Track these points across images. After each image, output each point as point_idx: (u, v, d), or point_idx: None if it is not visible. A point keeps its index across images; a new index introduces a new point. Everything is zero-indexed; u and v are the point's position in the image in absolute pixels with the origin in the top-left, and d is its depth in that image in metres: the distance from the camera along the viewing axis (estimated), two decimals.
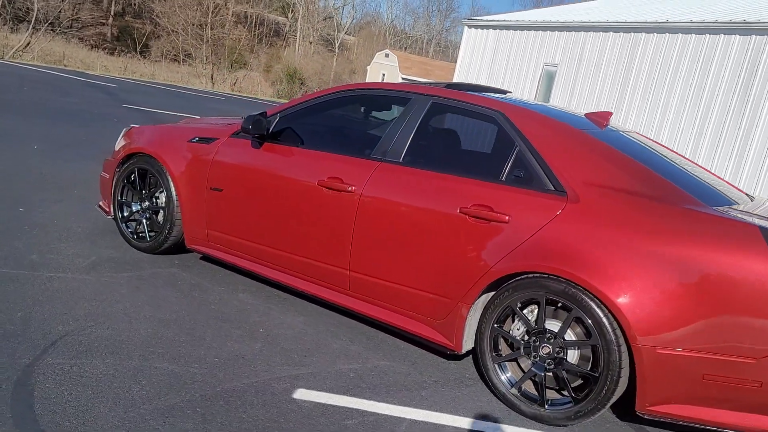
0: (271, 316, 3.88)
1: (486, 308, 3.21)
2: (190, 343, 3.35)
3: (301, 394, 3.01)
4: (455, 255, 3.28)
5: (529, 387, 3.18)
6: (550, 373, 3.10)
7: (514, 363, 3.24)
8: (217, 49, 46.51)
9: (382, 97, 3.99)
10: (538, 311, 3.11)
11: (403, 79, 35.10)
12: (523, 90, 15.58)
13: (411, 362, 3.55)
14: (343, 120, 4.51)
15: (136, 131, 4.83)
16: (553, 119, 3.40)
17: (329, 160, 3.79)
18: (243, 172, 4.09)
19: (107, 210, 4.92)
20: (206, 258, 4.78)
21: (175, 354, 3.20)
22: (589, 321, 2.90)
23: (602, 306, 2.86)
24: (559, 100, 14.31)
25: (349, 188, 3.62)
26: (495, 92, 4.08)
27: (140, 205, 4.72)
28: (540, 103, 3.77)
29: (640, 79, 12.17)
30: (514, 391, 3.15)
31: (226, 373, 3.10)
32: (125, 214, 4.81)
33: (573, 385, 3.06)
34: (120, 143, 4.87)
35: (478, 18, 16.82)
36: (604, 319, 2.85)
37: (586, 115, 3.80)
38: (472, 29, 16.88)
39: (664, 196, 2.99)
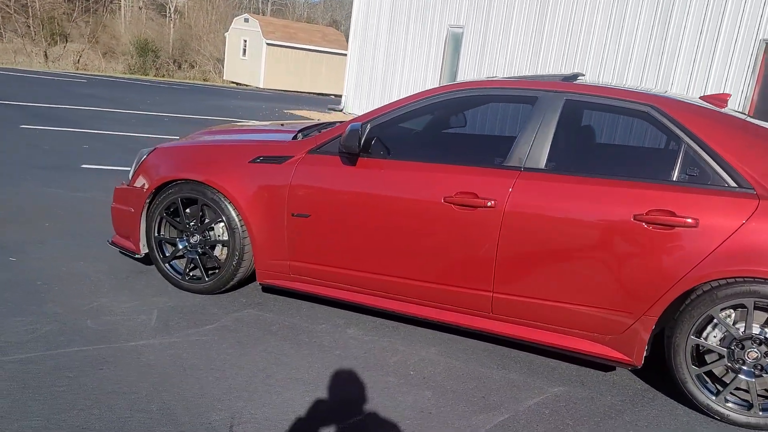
0: (404, 353, 3.49)
1: (679, 319, 3.05)
2: (368, 409, 2.89)
3: None
4: (632, 267, 3.08)
5: (728, 395, 3.08)
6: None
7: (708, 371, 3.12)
8: (31, 21, 41.63)
9: (500, 96, 3.61)
10: (738, 316, 3.00)
11: (268, 44, 33.66)
12: (428, 55, 15.48)
13: (581, 383, 3.33)
14: (448, 125, 4.08)
15: (164, 153, 4.10)
16: (710, 110, 3.25)
17: (451, 173, 3.40)
18: (339, 194, 3.59)
19: (134, 248, 4.18)
20: (268, 289, 4.22)
21: (364, 427, 2.75)
22: None
23: None
24: (468, 63, 14.36)
25: (489, 203, 3.28)
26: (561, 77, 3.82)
27: (187, 240, 4.04)
28: (670, 92, 3.60)
29: (555, 32, 12.43)
30: (719, 401, 3.03)
31: None
32: (167, 253, 4.10)
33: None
34: (142, 170, 4.11)
35: None
36: None
37: (701, 98, 3.69)
38: None
39: None
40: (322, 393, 2.98)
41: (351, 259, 3.63)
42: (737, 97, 10.13)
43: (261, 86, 34.05)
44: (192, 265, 4.05)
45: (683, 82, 10.81)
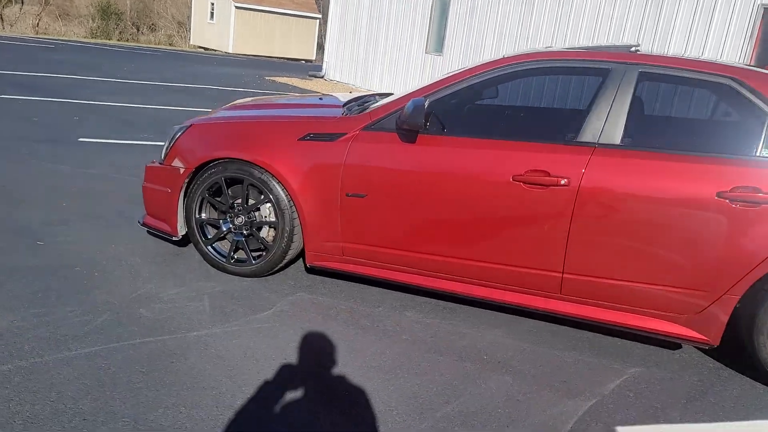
0: (471, 336, 3.41)
1: (764, 298, 3.01)
2: (455, 397, 2.82)
3: None
4: (715, 246, 3.03)
5: None
6: None
7: None
8: None
9: (566, 69, 3.47)
10: None
11: (237, 8, 32.67)
12: (414, 20, 15.19)
13: (654, 363, 3.32)
14: (510, 100, 3.94)
15: (202, 131, 3.89)
16: None
17: (519, 150, 3.28)
18: (398, 173, 3.44)
19: (170, 230, 3.99)
20: (311, 270, 4.08)
21: (463, 417, 2.67)
22: None
23: None
24: (456, 28, 14.12)
25: (562, 181, 3.18)
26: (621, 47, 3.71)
27: (231, 222, 3.86)
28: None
29: None
30: None
31: (532, 426, 2.65)
32: (209, 235, 3.93)
33: None
34: (178, 148, 3.90)
35: None
36: None
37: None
38: None
39: None
40: (406, 382, 2.88)
41: (411, 241, 3.51)
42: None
43: (230, 51, 33.15)
44: (235, 247, 3.89)
45: (680, 47, 10.79)
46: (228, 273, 3.90)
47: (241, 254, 3.93)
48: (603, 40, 11.60)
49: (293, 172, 3.61)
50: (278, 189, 3.66)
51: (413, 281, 3.59)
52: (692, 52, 10.64)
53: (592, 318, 3.33)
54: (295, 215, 3.69)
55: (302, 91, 15.62)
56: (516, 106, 3.94)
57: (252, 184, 3.72)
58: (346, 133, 3.58)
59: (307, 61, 35.30)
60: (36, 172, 5.62)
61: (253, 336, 3.16)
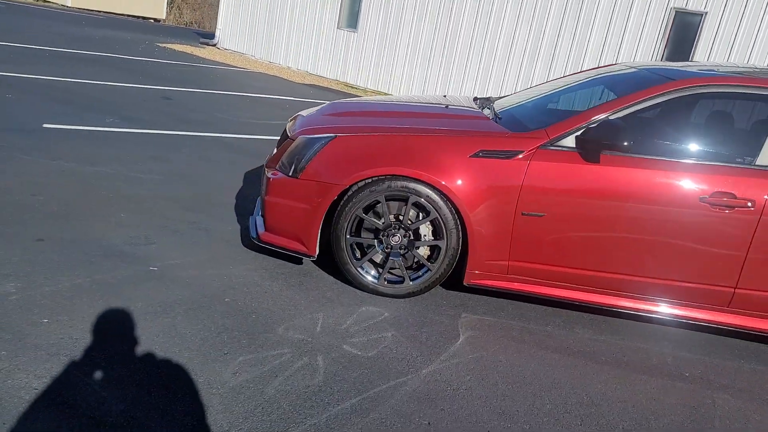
0: (654, 353, 3.55)
1: None
2: (707, 425, 2.94)
3: None
4: None
5: None
6: None
7: None
8: None
9: (750, 95, 3.59)
10: None
11: None
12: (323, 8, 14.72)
13: None
14: (685, 120, 4.00)
15: (353, 144, 3.61)
16: None
17: (705, 172, 3.44)
18: (581, 193, 3.45)
19: (304, 249, 3.68)
20: (450, 287, 3.96)
21: None
22: None
23: None
24: (372, 4, 13.95)
25: (748, 204, 3.39)
26: None
27: (386, 241, 3.64)
28: None
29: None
30: None
31: None
32: (358, 256, 3.67)
33: None
34: (322, 162, 3.58)
35: None
36: None
37: None
38: None
39: None
40: (654, 411, 2.95)
41: (589, 259, 3.54)
42: (649, 62, 11.11)
43: (68, 5, 29.75)
44: (385, 267, 3.67)
45: (597, 47, 11.59)
46: (378, 294, 3.68)
47: (390, 275, 3.72)
48: (522, 42, 12.09)
49: (463, 190, 3.48)
50: (446, 208, 3.50)
51: (586, 299, 3.63)
52: (609, 53, 11.47)
53: (759, 329, 3.60)
54: (461, 234, 3.55)
55: (204, 61, 14.58)
56: (690, 123, 4.07)
57: (416, 203, 3.51)
58: (523, 151, 3.49)
59: (155, 20, 32.82)
60: (39, 173, 4.79)
61: (474, 369, 3.05)
